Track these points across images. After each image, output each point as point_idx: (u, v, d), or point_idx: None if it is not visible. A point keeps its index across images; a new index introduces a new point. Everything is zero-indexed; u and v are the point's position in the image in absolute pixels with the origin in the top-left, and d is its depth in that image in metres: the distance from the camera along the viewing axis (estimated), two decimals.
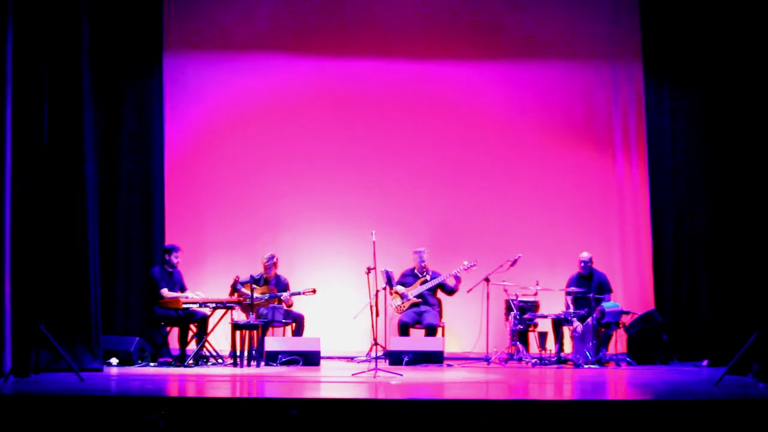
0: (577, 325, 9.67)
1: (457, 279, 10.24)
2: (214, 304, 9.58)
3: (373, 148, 11.16)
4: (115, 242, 10.28)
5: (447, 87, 11.20)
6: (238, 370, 9.02)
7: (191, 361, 9.30)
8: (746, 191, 9.40)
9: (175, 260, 9.77)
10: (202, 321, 9.60)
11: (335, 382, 8.17)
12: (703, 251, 10.40)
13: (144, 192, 10.49)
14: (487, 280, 10.20)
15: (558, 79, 11.20)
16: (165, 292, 9.56)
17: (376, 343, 9.16)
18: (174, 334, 9.78)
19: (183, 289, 9.82)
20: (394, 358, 9.53)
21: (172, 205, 10.70)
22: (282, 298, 10.07)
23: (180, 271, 9.87)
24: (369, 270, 9.08)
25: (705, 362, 9.66)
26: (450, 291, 10.34)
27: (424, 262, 10.40)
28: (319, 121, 11.13)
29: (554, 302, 10.20)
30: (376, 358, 8.79)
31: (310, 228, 11.03)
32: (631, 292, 10.90)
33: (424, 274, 10.38)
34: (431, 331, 10.03)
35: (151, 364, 9.47)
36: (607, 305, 9.72)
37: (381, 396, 6.96)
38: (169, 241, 10.29)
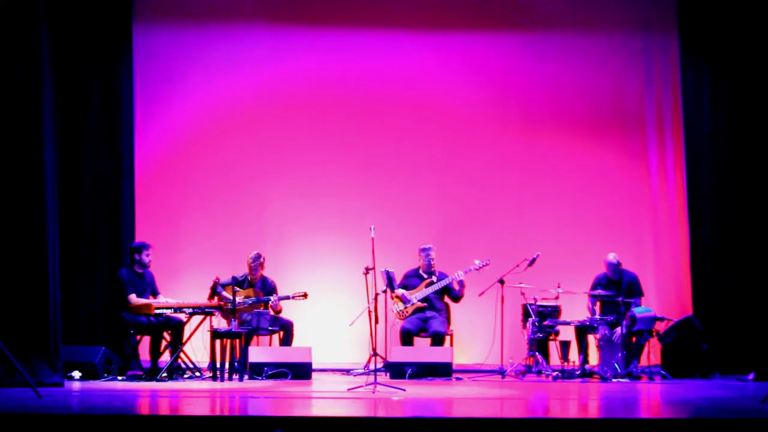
0: (605, 333, 9.58)
1: (461, 284, 10.18)
2: (190, 310, 9.55)
3: (373, 135, 11.16)
4: (79, 239, 10.23)
5: (458, 66, 11.17)
6: (218, 385, 9.02)
7: (165, 375, 9.29)
8: None
9: (146, 259, 9.72)
10: (177, 328, 9.57)
11: (329, 397, 8.14)
12: (749, 249, 10.32)
13: (111, 184, 10.46)
14: (501, 281, 10.14)
15: (582, 55, 11.18)
16: (133, 297, 9.53)
17: (375, 354, 9.16)
18: (145, 343, 9.75)
19: (155, 293, 9.74)
20: (396, 370, 9.52)
21: (144, 199, 10.69)
22: (269, 302, 10.06)
23: (152, 273, 9.80)
24: (367, 270, 9.07)
25: (751, 375, 9.66)
26: (455, 297, 10.30)
27: (432, 260, 10.30)
28: (311, 108, 11.13)
29: (578, 307, 10.21)
30: (375, 370, 8.74)
31: (301, 224, 11.02)
32: (666, 296, 10.89)
33: (431, 274, 10.27)
34: (438, 339, 9.98)
35: (119, 377, 9.46)
36: (639, 310, 9.70)
37: (381, 414, 6.92)
38: (140, 238, 10.24)
